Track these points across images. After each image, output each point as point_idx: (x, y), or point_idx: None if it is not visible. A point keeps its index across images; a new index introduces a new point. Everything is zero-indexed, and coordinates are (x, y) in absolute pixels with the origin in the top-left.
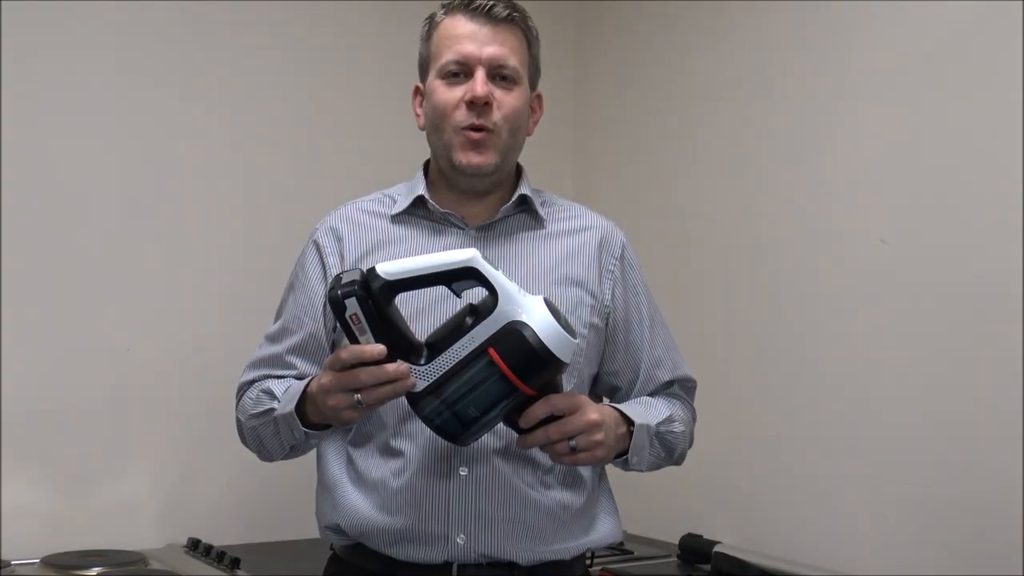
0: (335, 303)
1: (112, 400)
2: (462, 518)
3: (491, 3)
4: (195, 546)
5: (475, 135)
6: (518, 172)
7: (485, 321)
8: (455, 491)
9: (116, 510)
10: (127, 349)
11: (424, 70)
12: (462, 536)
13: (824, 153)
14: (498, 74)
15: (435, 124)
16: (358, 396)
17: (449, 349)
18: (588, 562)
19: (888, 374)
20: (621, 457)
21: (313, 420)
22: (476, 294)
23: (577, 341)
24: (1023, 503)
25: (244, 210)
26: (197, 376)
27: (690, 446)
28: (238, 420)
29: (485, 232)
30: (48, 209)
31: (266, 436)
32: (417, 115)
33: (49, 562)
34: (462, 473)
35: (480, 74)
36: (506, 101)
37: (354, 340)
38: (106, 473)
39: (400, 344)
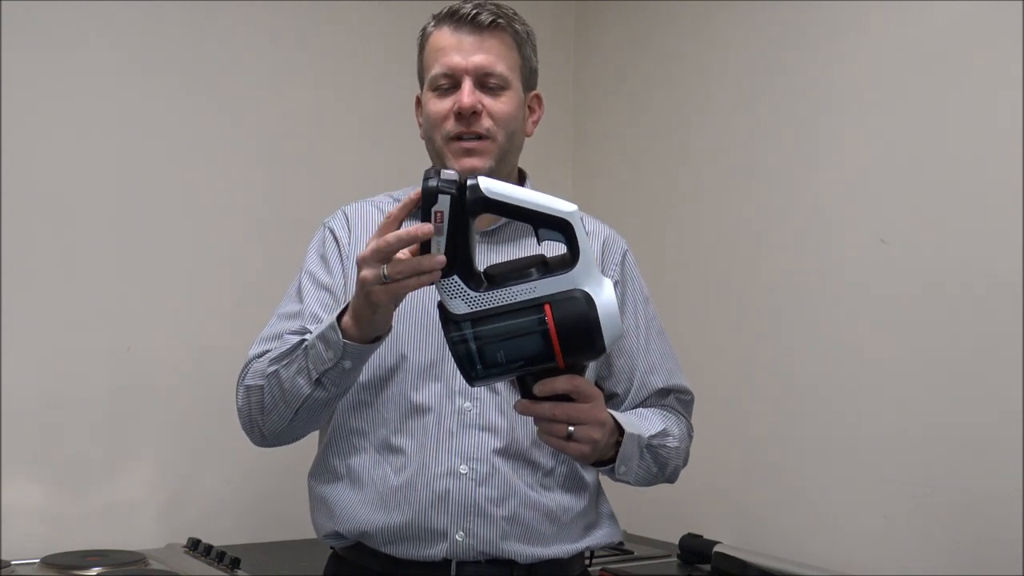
0: (428, 193)
1: (112, 400)
2: (462, 515)
3: (475, 11)
4: (195, 546)
5: (467, 144)
6: (522, 177)
7: (555, 277)
8: (455, 488)
9: (116, 510)
10: (127, 349)
11: (421, 81)
12: (461, 533)
13: (823, 153)
14: (486, 82)
15: (429, 135)
16: (386, 269)
17: (507, 287)
18: (588, 562)
19: (888, 374)
20: (608, 465)
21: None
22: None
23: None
24: (1023, 503)
25: (245, 210)
26: (197, 376)
27: (684, 464)
28: (247, 388)
29: (488, 237)
30: (48, 209)
31: (287, 378)
32: (419, 124)
33: (49, 562)
34: (462, 471)
35: (467, 84)
36: (496, 108)
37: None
38: (106, 473)
39: (465, 262)
